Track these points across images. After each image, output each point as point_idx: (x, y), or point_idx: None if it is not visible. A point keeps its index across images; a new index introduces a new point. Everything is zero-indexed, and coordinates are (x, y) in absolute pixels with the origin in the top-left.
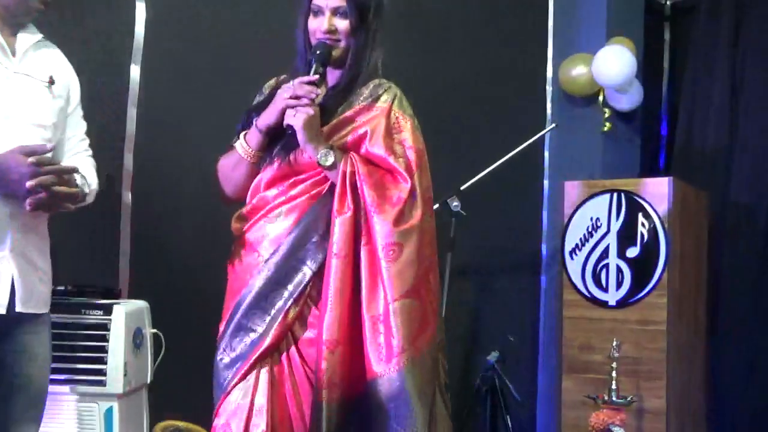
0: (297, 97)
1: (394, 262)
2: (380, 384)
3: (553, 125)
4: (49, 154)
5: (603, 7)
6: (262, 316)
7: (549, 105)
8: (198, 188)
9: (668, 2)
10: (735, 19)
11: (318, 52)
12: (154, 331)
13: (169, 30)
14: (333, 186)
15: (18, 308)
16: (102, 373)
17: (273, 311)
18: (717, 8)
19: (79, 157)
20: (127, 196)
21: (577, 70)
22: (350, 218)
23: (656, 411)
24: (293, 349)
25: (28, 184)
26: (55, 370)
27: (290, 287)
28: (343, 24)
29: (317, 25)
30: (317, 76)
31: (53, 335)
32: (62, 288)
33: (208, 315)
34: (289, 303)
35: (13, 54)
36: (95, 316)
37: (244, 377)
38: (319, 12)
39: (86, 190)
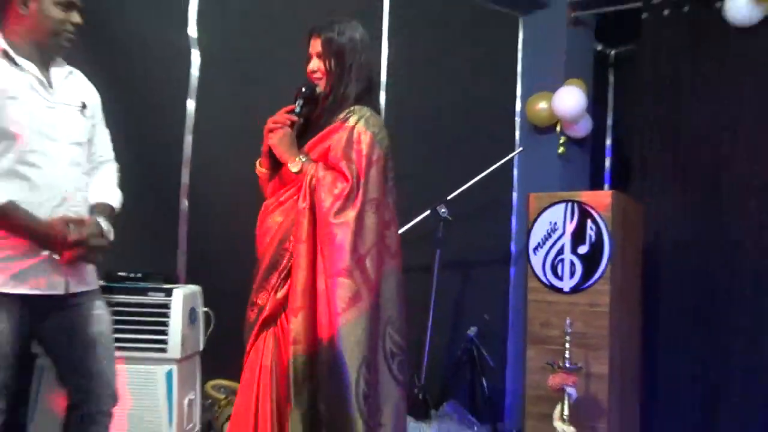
0: (276, 122)
1: (329, 246)
2: (326, 343)
3: (520, 149)
4: (86, 218)
5: (561, 55)
6: (264, 294)
7: (517, 133)
8: (238, 198)
9: (612, 52)
10: (664, 65)
11: (303, 89)
12: (205, 309)
13: (218, 72)
14: None
15: (72, 289)
16: (164, 342)
17: (269, 288)
18: (650, 57)
19: (104, 168)
20: (184, 203)
21: (540, 105)
22: (307, 211)
23: (600, 375)
24: (284, 319)
25: (70, 251)
26: (127, 340)
27: (279, 269)
28: (322, 65)
29: (309, 67)
30: (295, 106)
31: (127, 312)
32: (133, 275)
33: (247, 298)
34: (279, 281)
35: (50, 86)
36: (159, 298)
37: (254, 343)
38: (310, 57)
39: (110, 237)
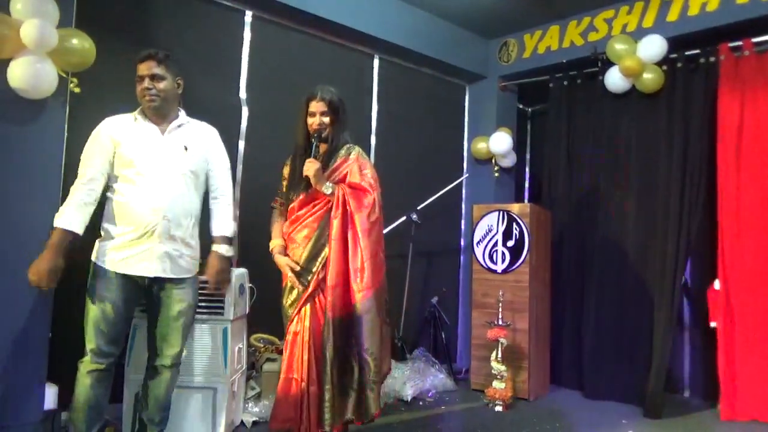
0: (309, 162)
1: (367, 239)
2: (359, 306)
3: (467, 174)
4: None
5: (494, 111)
6: (307, 276)
7: (465, 163)
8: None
9: (529, 109)
10: (564, 119)
11: (316, 135)
12: (250, 285)
13: (261, 122)
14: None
15: (168, 275)
16: (222, 308)
17: (313, 272)
18: (555, 113)
19: (215, 202)
20: (236, 213)
21: (480, 145)
22: (339, 217)
23: (523, 330)
24: (321, 294)
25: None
26: (199, 307)
27: (319, 258)
28: (326, 119)
29: (312, 122)
30: (316, 155)
31: (200, 288)
32: (203, 261)
33: (276, 278)
34: (319, 267)
35: (163, 133)
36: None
37: (299, 311)
38: (312, 114)
39: (230, 255)
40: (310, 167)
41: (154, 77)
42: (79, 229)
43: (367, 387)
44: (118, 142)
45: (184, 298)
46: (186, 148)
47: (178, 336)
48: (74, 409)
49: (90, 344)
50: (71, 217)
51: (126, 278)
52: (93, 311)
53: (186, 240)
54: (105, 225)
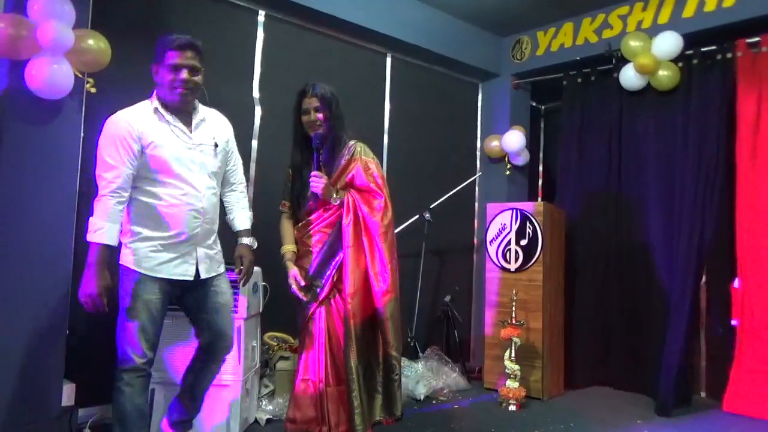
0: (315, 176)
1: (383, 242)
2: (383, 310)
3: (480, 173)
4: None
5: (507, 109)
6: (321, 279)
7: (478, 162)
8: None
9: (543, 107)
10: (577, 117)
11: (316, 144)
12: (264, 284)
13: (273, 121)
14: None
15: (202, 276)
16: (236, 306)
17: (325, 276)
18: (568, 111)
19: (234, 194)
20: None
21: (493, 143)
22: (352, 223)
23: (536, 329)
24: (337, 296)
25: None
26: None
27: (332, 263)
28: (320, 115)
29: (306, 119)
30: (317, 165)
31: None
32: None
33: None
34: (333, 272)
35: (190, 131)
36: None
37: (314, 311)
38: (306, 111)
39: (255, 246)
40: (317, 184)
41: (193, 69)
42: (116, 241)
43: (394, 384)
44: (146, 141)
45: (225, 289)
46: (216, 145)
47: (228, 326)
48: (122, 421)
49: (134, 352)
50: (110, 232)
51: (164, 281)
52: (134, 318)
53: (216, 236)
54: (135, 228)
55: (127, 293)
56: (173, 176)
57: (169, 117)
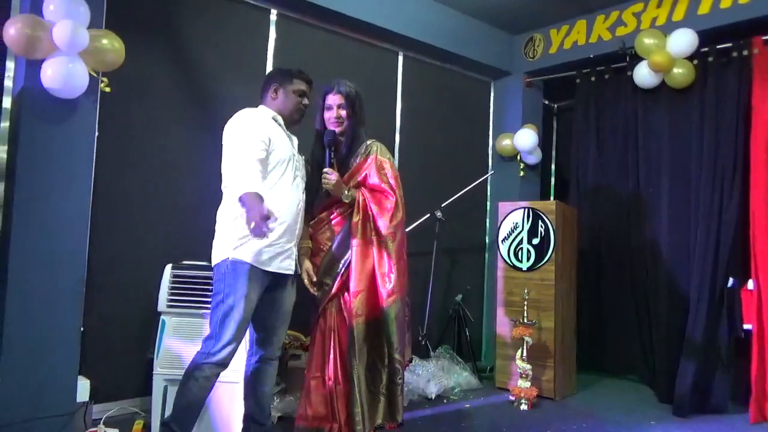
0: (325, 173)
1: (393, 242)
2: (388, 310)
3: (492, 172)
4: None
5: (519, 107)
6: (331, 276)
7: (490, 161)
8: None
9: (555, 105)
10: (591, 115)
11: (325, 140)
12: None
13: None
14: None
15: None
16: None
17: (335, 274)
18: (582, 110)
19: None
20: None
21: (505, 142)
22: (361, 222)
23: (548, 328)
24: (346, 294)
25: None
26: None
27: (342, 261)
28: (343, 113)
29: (329, 115)
30: (328, 160)
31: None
32: None
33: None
34: (342, 269)
35: (291, 141)
36: None
37: (324, 310)
38: (329, 108)
39: None
40: (328, 181)
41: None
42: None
43: (397, 389)
44: (272, 139)
45: (294, 292)
46: (302, 156)
47: (285, 329)
48: (185, 408)
49: (232, 343)
50: (260, 184)
51: (266, 275)
52: (239, 309)
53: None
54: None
55: (232, 284)
56: (285, 175)
57: (280, 125)
